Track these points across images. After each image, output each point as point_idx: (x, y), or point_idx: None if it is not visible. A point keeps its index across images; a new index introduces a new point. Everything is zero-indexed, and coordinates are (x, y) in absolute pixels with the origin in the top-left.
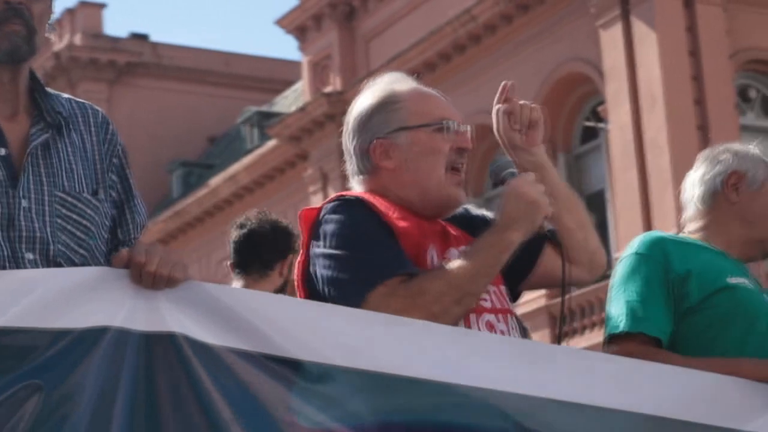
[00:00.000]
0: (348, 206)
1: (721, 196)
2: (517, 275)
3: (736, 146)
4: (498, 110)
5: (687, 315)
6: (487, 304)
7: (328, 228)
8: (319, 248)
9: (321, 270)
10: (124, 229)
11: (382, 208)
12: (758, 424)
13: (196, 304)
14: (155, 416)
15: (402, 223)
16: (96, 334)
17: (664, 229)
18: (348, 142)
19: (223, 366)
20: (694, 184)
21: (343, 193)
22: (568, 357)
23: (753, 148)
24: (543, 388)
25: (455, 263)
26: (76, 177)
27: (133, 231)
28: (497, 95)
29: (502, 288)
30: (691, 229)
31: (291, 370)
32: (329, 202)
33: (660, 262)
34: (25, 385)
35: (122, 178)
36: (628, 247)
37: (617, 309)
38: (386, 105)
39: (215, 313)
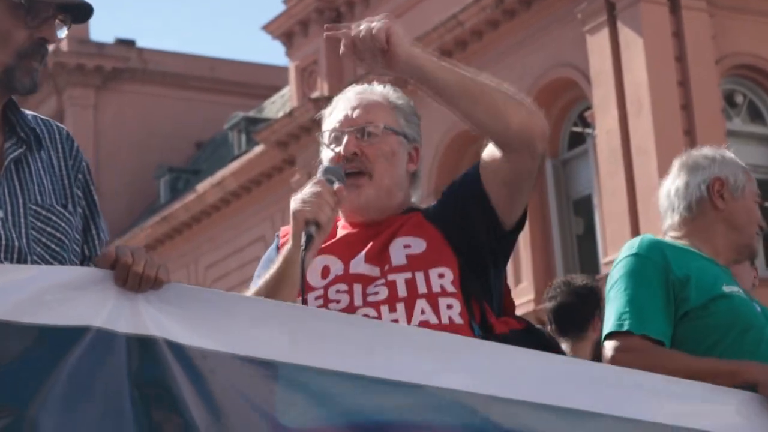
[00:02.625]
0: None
1: (708, 204)
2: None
3: (711, 151)
4: (342, 53)
5: (684, 319)
6: (380, 296)
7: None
8: None
9: None
10: (91, 245)
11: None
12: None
13: (178, 306)
14: (136, 417)
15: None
16: (77, 333)
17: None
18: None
19: (204, 369)
20: (678, 192)
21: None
22: (535, 359)
23: (727, 152)
24: (514, 389)
25: (264, 280)
26: (46, 192)
27: (99, 247)
28: (325, 34)
29: (439, 270)
30: (675, 236)
31: (272, 372)
32: None
33: (660, 264)
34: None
35: (86, 194)
36: (625, 248)
37: (620, 307)
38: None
39: (197, 315)
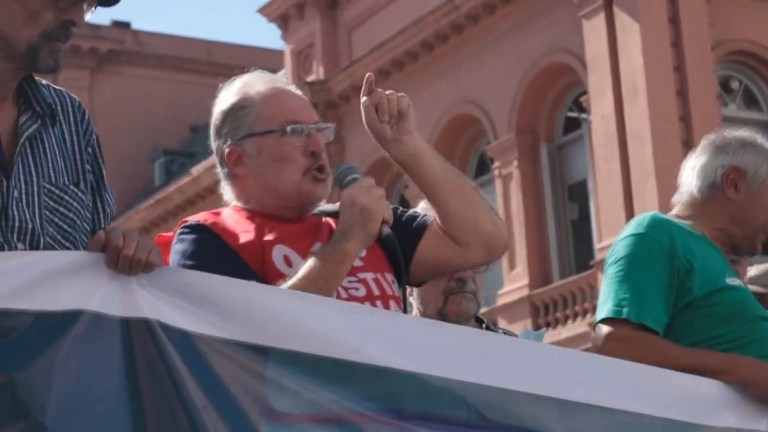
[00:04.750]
0: (188, 232)
1: (719, 190)
2: (402, 265)
3: (747, 136)
4: (364, 103)
5: (684, 310)
6: (360, 293)
7: (173, 258)
8: None
9: None
10: (94, 218)
11: (227, 224)
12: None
13: (171, 289)
14: (132, 400)
15: (244, 237)
16: (71, 317)
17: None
18: (212, 145)
19: (197, 352)
20: (695, 170)
21: (187, 219)
22: (528, 349)
23: (764, 140)
24: (504, 378)
25: (293, 279)
26: (59, 170)
27: (103, 221)
28: (363, 88)
29: (388, 276)
30: (679, 213)
31: (263, 356)
32: (178, 227)
33: (666, 248)
34: None
35: (95, 168)
36: (632, 225)
37: (621, 292)
38: (236, 110)
39: (190, 299)
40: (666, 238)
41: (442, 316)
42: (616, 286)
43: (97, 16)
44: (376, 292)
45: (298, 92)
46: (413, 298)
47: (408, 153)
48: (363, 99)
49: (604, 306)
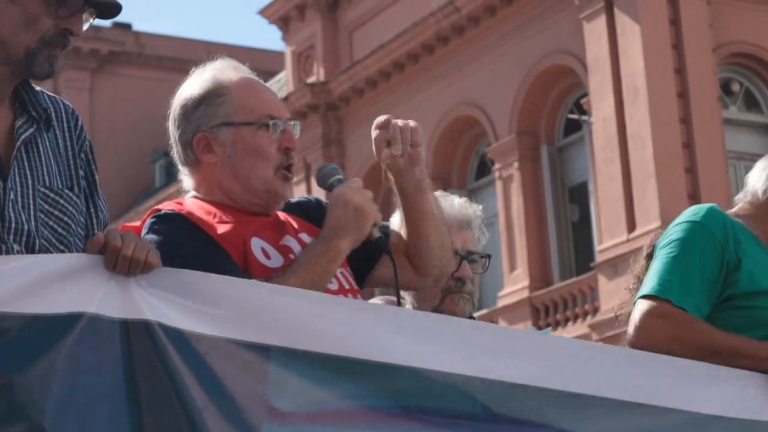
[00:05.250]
0: (164, 222)
1: None
2: (359, 271)
3: None
4: (376, 137)
5: (726, 306)
6: (334, 287)
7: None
8: None
9: None
10: (87, 224)
11: (201, 215)
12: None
13: (169, 290)
14: (132, 402)
15: (222, 228)
16: (71, 320)
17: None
18: (173, 129)
19: (197, 352)
20: (765, 171)
21: (159, 207)
22: (534, 342)
23: None
24: (511, 373)
25: (284, 275)
26: (54, 173)
27: (96, 227)
28: (375, 123)
29: (347, 270)
30: (738, 211)
31: (264, 355)
32: (147, 217)
33: (720, 239)
34: None
35: (87, 174)
36: (687, 213)
37: (667, 272)
38: (211, 96)
39: (188, 299)
40: (720, 230)
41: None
42: (663, 266)
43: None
44: (347, 286)
45: (269, 86)
46: (407, 294)
47: (416, 183)
48: (375, 133)
49: (648, 284)
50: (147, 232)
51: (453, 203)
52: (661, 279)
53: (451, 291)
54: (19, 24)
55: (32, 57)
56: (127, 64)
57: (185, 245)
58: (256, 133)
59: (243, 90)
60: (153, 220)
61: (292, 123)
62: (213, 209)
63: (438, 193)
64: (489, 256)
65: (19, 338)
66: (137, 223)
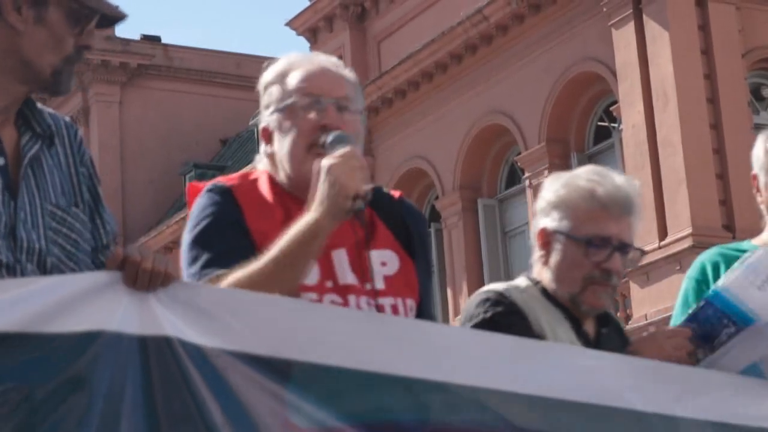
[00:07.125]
0: (210, 194)
1: None
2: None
3: None
4: None
5: None
6: (351, 281)
7: (192, 211)
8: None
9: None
10: (95, 236)
11: (251, 198)
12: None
13: (189, 305)
14: (152, 419)
15: (263, 221)
16: (90, 338)
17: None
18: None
19: (217, 368)
20: None
21: (220, 179)
22: (558, 353)
23: None
24: (532, 385)
25: (267, 255)
26: (59, 190)
27: (104, 237)
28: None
29: (408, 301)
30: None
31: (284, 370)
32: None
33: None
34: (13, 387)
35: (90, 188)
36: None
37: None
38: (266, 87)
39: (208, 314)
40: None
41: (574, 302)
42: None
43: (127, 30)
44: (378, 286)
45: (339, 69)
46: (532, 266)
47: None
48: None
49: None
50: (199, 198)
51: (615, 182)
52: None
53: (595, 281)
54: (45, 45)
55: (58, 76)
56: (156, 77)
57: (211, 223)
58: (292, 113)
59: (292, 75)
60: (206, 188)
61: (341, 103)
62: (274, 193)
63: (597, 169)
64: (643, 252)
65: (38, 359)
66: (203, 183)
